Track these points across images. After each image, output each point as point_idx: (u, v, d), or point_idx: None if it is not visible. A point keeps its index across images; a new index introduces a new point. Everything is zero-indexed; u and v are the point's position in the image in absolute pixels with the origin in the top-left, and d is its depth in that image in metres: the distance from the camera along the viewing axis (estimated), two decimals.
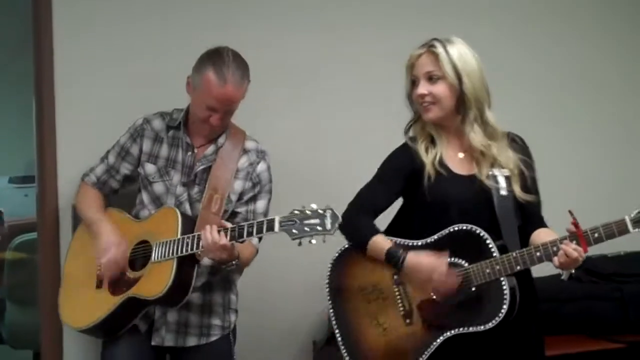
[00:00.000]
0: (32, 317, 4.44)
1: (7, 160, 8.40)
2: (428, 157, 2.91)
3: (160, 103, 3.32)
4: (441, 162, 2.91)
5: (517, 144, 2.98)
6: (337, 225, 2.74)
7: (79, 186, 3.31)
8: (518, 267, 2.76)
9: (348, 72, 4.02)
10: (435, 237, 2.88)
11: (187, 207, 3.13)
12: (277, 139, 3.51)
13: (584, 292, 3.80)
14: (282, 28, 3.90)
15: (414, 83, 2.95)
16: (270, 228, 2.79)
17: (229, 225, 2.89)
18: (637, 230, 2.64)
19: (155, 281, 2.97)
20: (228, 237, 2.86)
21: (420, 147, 2.95)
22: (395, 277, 2.93)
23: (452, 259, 2.84)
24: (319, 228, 2.74)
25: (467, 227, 2.83)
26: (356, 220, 2.98)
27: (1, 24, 7.12)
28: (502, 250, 2.80)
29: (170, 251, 2.95)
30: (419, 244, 2.91)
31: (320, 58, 3.98)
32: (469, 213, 2.86)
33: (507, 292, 2.75)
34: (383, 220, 3.08)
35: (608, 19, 4.55)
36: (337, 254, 3.06)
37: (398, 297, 2.94)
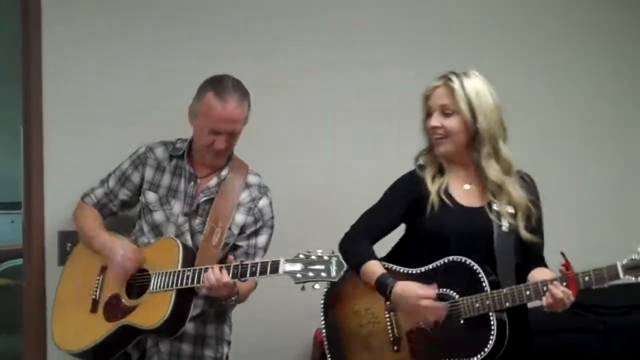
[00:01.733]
0: (16, 344, 4.43)
1: None
2: (434, 186, 2.93)
3: (150, 133, 3.36)
4: (446, 192, 2.93)
5: (526, 182, 2.99)
6: (342, 272, 2.74)
7: (78, 205, 3.31)
8: (507, 304, 2.76)
9: (358, 113, 4.06)
10: (430, 266, 2.90)
11: (188, 237, 3.13)
12: (286, 175, 3.60)
13: (567, 323, 3.80)
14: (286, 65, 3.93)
15: (428, 114, 2.96)
16: (275, 270, 2.79)
17: (232, 262, 2.90)
18: (628, 277, 2.64)
19: (152, 311, 2.96)
20: (230, 275, 2.86)
21: (428, 176, 2.97)
22: (387, 303, 2.94)
23: (444, 290, 2.85)
24: (323, 274, 2.74)
25: (461, 259, 2.84)
26: (354, 243, 3.01)
27: None
28: (495, 285, 2.80)
29: (170, 283, 2.95)
30: (413, 272, 2.93)
31: (329, 96, 4.02)
32: (467, 245, 2.87)
33: (494, 326, 2.76)
34: (387, 245, 3.11)
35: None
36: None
37: (388, 323, 2.95)
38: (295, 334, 3.93)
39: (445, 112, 2.89)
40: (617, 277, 2.65)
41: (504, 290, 2.77)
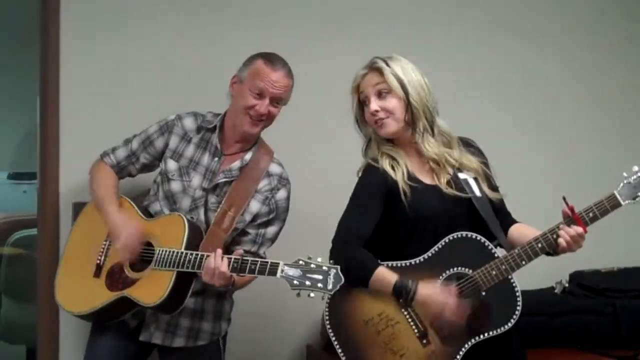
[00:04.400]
0: (27, 313, 4.47)
1: (6, 156, 8.41)
2: (397, 174, 2.90)
3: (167, 105, 3.36)
4: (411, 177, 2.91)
5: (472, 146, 3.04)
6: (338, 286, 2.70)
7: (95, 162, 3.28)
8: (523, 263, 2.78)
9: None
10: (432, 251, 2.87)
11: (201, 212, 3.13)
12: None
13: (576, 305, 3.81)
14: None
15: (361, 105, 2.97)
16: (273, 273, 2.78)
17: (232, 256, 2.88)
18: (628, 202, 2.71)
19: (151, 289, 2.97)
20: (230, 268, 2.86)
21: (386, 165, 2.93)
22: (400, 300, 2.86)
23: (454, 269, 2.85)
24: (319, 285, 2.71)
25: (462, 234, 2.85)
26: (353, 255, 2.89)
27: (4, 18, 7.15)
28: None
29: (172, 263, 2.95)
30: (418, 261, 2.88)
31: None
32: (452, 221, 2.88)
33: (518, 288, 2.78)
34: None
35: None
36: (330, 295, 2.85)
37: (409, 320, 2.87)
38: (304, 313, 3.91)
39: (381, 93, 2.91)
40: (618, 204, 2.71)
41: (516, 250, 2.78)
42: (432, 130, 2.93)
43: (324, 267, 2.72)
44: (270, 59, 3.08)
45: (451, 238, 2.85)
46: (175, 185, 3.16)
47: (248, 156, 3.17)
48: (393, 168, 2.92)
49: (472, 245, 2.84)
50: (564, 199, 2.75)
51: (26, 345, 5.30)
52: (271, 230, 3.20)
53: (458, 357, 2.81)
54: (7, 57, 7.66)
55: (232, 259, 2.86)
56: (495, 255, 2.81)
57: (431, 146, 2.92)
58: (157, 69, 3.70)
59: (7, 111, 8.18)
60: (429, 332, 2.85)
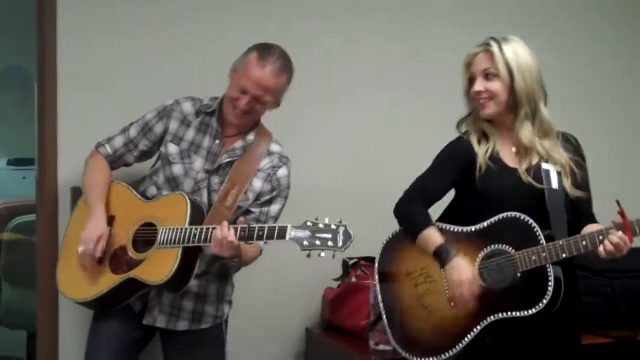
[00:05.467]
0: (27, 298, 4.47)
1: (5, 142, 8.40)
2: (481, 149, 3.00)
3: (164, 91, 3.35)
4: (493, 155, 2.99)
5: (571, 144, 3.05)
6: (349, 243, 2.75)
7: (90, 154, 3.28)
8: (564, 255, 2.81)
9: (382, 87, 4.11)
10: (485, 223, 2.95)
11: (204, 194, 3.14)
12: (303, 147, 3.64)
13: None
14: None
15: (471, 81, 3.02)
16: (281, 236, 2.81)
17: (240, 224, 2.89)
18: None
19: (158, 267, 2.98)
20: (237, 236, 2.87)
21: (473, 140, 3.03)
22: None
23: (498, 245, 2.92)
24: (330, 243, 2.75)
25: (515, 214, 2.90)
26: (409, 209, 3.08)
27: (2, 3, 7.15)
28: (549, 239, 2.85)
29: (177, 239, 2.96)
30: (468, 230, 3.00)
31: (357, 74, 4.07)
32: (519, 204, 2.92)
33: (551, 279, 2.81)
34: (436, 208, 3.15)
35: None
36: (388, 238, 3.18)
37: (445, 281, 2.98)
38: (303, 297, 3.97)
39: (487, 76, 2.96)
40: None
41: (560, 242, 2.82)
42: (533, 118, 2.96)
43: (333, 226, 2.77)
44: (265, 53, 3.06)
45: (505, 216, 2.92)
46: (177, 168, 3.16)
47: (250, 136, 3.18)
48: (479, 143, 3.02)
49: (522, 227, 2.89)
50: (618, 202, 2.74)
51: (27, 331, 5.30)
52: (274, 208, 3.22)
53: (478, 327, 2.90)
54: (5, 43, 7.65)
55: (239, 227, 2.88)
56: (540, 241, 2.85)
57: (526, 132, 2.96)
58: (155, 55, 3.70)
59: (7, 96, 8.16)
60: None
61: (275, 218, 3.22)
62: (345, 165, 4.03)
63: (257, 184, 3.17)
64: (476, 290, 2.90)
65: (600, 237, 2.77)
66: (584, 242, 2.80)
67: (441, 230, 3.03)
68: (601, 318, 3.76)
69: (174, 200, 3.09)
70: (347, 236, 2.76)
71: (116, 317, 3.16)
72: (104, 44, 3.63)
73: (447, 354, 2.96)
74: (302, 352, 4.01)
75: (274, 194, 3.20)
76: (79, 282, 3.15)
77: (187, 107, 3.22)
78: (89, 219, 3.12)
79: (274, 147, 3.23)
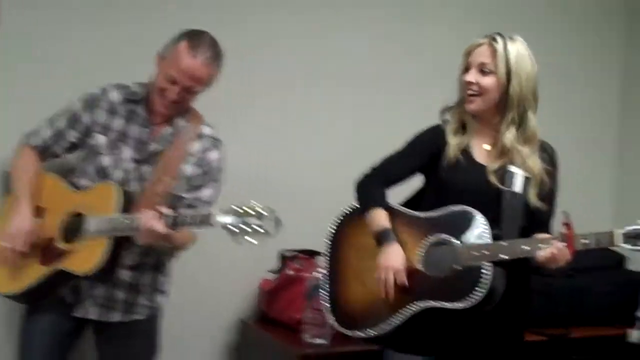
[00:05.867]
0: None
1: None
2: (454, 140, 2.99)
3: (99, 77, 3.25)
4: (465, 149, 2.99)
5: (547, 153, 3.03)
6: (279, 228, 2.70)
7: (18, 149, 3.17)
8: (502, 256, 2.79)
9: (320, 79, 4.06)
10: (437, 212, 2.95)
11: (134, 184, 3.06)
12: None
13: None
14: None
15: (467, 69, 2.98)
16: (208, 222, 2.75)
17: (167, 211, 2.83)
18: (625, 245, 2.67)
19: (86, 257, 2.92)
20: (165, 225, 2.81)
21: (449, 130, 3.02)
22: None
23: (446, 236, 2.90)
24: (260, 230, 2.69)
25: (468, 209, 2.89)
26: (367, 186, 3.10)
27: None
28: (497, 239, 2.84)
29: (105, 228, 2.90)
30: (419, 216, 3.00)
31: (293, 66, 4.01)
32: (478, 201, 2.89)
33: (487, 278, 2.79)
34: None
35: None
36: (348, 210, 3.16)
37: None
38: (238, 288, 3.93)
39: (483, 70, 2.92)
40: (615, 243, 2.68)
41: (502, 242, 2.81)
42: (519, 124, 2.93)
43: (261, 210, 2.69)
44: (196, 42, 2.98)
45: (458, 209, 2.90)
46: (106, 160, 3.08)
47: (180, 122, 3.11)
48: (455, 133, 3.00)
49: (472, 222, 2.87)
50: (565, 213, 2.73)
51: None
52: (206, 192, 3.13)
53: (407, 310, 2.90)
54: None
55: (165, 215, 2.81)
56: (486, 239, 2.84)
57: (510, 136, 2.93)
58: (87, 41, 3.57)
59: None
60: None
61: (209, 203, 3.12)
62: (282, 157, 4.00)
63: (188, 168, 3.10)
64: (401, 280, 2.89)
65: (542, 245, 2.76)
66: (524, 247, 2.78)
67: (394, 211, 3.03)
68: (538, 316, 3.77)
69: (103, 189, 3.02)
70: (277, 221, 2.71)
71: (48, 311, 3.08)
72: (38, 24, 3.50)
73: (371, 332, 2.98)
74: (236, 343, 3.97)
75: (205, 178, 3.13)
76: (8, 275, 3.05)
77: (114, 96, 3.13)
78: (15, 214, 3.03)
79: (206, 130, 3.16)
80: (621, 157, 4.81)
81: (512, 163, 2.94)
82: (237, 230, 2.68)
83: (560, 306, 3.94)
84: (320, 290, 3.15)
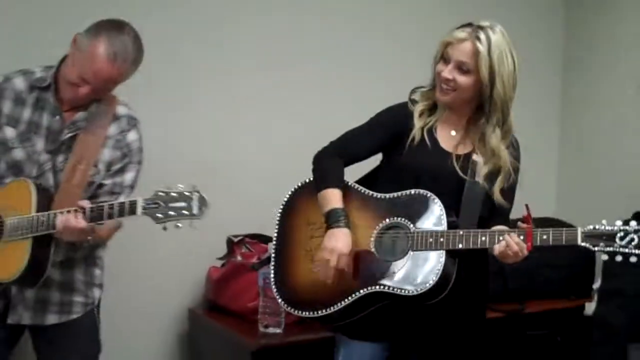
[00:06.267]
0: None
1: None
2: (419, 122, 2.92)
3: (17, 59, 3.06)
4: (430, 132, 2.91)
5: (514, 147, 2.97)
6: (204, 209, 2.58)
7: None
8: (460, 245, 2.74)
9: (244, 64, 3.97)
10: (395, 194, 2.88)
11: (50, 176, 2.87)
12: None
13: None
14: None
15: (444, 59, 2.87)
16: (132, 211, 2.61)
17: (87, 205, 2.69)
18: (585, 244, 2.63)
19: (8, 262, 2.76)
20: (87, 219, 2.67)
21: (416, 111, 2.94)
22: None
23: (402, 219, 2.83)
24: (185, 212, 2.57)
25: (426, 193, 2.82)
26: (325, 162, 3.01)
27: None
28: (453, 227, 2.78)
29: (24, 230, 2.74)
30: (376, 196, 2.92)
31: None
32: (437, 186, 2.83)
33: (440, 267, 2.73)
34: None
35: None
36: (301, 183, 3.06)
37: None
38: (185, 276, 3.86)
39: (462, 68, 2.82)
40: (574, 241, 2.64)
41: (460, 231, 2.75)
42: (503, 123, 2.87)
43: (186, 193, 2.59)
44: (116, 42, 2.75)
45: (416, 192, 2.84)
46: (18, 154, 2.87)
47: (93, 106, 2.91)
48: (421, 115, 2.93)
49: (429, 207, 2.81)
50: (527, 207, 2.68)
51: None
52: (128, 176, 2.97)
53: (358, 293, 2.82)
54: None
55: (87, 209, 2.67)
56: (443, 226, 2.77)
57: (495, 138, 2.86)
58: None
59: None
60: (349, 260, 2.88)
61: (131, 187, 2.98)
62: (230, 142, 3.94)
63: (107, 153, 2.92)
64: (343, 265, 2.81)
65: (500, 238, 2.71)
66: (483, 238, 2.73)
67: (350, 189, 2.96)
68: (493, 294, 3.73)
69: (18, 187, 2.83)
70: (203, 202, 2.58)
71: None
72: None
73: (318, 313, 2.89)
74: (185, 333, 3.90)
75: (125, 161, 2.96)
76: None
77: (19, 83, 2.91)
78: None
79: (121, 110, 2.97)
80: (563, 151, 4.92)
81: (477, 151, 2.89)
82: (163, 216, 2.57)
83: (512, 284, 3.97)
84: (271, 267, 3.05)
